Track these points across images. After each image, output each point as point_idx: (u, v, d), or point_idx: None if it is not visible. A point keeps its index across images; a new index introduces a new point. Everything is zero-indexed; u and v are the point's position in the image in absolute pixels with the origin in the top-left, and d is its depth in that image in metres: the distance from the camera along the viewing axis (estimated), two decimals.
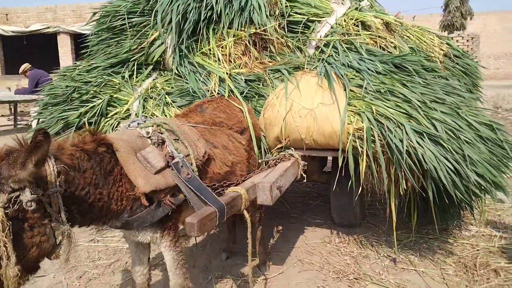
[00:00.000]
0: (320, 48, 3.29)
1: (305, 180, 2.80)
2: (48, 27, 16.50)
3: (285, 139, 2.82)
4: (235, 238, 3.21)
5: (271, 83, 2.93)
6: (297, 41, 3.37)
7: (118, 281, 2.83)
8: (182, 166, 1.88)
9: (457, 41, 17.78)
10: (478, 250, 3.10)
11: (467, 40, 17.29)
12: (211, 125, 2.34)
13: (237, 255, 3.15)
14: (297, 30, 3.41)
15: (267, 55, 3.24)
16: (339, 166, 2.72)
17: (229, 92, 2.79)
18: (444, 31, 19.18)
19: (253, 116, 2.75)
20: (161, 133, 1.95)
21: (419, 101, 2.62)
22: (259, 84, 2.97)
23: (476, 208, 3.11)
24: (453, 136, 2.47)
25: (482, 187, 2.47)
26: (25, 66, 9.29)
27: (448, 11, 22.99)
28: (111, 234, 3.56)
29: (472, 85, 3.97)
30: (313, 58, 3.26)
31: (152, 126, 1.96)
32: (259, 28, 3.10)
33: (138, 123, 1.98)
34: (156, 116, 2.83)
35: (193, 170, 1.95)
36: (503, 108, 10.26)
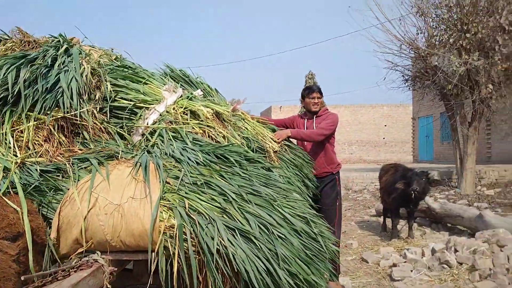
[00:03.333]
0: (145, 136, 3.08)
1: None
2: None
3: (86, 242, 2.37)
4: None
5: (74, 174, 2.52)
6: (120, 127, 3.10)
7: None
8: None
9: None
10: None
11: None
12: None
13: None
14: (122, 116, 3.18)
15: (79, 142, 2.87)
16: (151, 269, 2.35)
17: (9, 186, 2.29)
18: None
19: (36, 218, 2.26)
20: None
21: (235, 193, 2.49)
22: (58, 176, 2.54)
23: None
24: (266, 231, 2.35)
25: None
26: None
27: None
28: None
29: (305, 176, 4.11)
30: (137, 146, 3.03)
31: None
32: (69, 112, 2.75)
33: None
34: None
35: None
36: (352, 190, 11.32)
